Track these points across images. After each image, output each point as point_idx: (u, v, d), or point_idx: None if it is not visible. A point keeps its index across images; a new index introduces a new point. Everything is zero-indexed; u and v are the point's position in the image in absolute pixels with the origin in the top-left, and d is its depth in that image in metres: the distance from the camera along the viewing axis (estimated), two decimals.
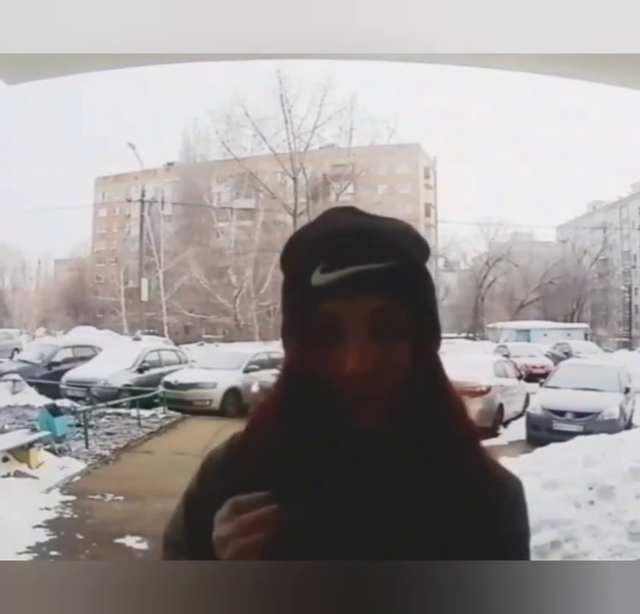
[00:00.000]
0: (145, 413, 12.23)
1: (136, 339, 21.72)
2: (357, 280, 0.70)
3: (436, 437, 0.77)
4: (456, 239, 49.21)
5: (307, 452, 0.75)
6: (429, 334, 0.77)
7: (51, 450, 8.29)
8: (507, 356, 19.36)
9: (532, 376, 17.12)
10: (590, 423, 10.10)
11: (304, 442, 0.76)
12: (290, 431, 0.77)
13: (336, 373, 0.72)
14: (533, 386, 13.65)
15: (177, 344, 24.49)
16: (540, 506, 4.78)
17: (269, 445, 0.77)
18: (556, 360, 20.96)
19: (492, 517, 0.78)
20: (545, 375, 14.63)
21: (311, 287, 0.72)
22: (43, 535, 5.75)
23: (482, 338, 39.80)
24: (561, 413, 10.64)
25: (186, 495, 0.86)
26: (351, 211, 0.79)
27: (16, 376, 13.85)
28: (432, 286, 0.77)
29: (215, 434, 8.79)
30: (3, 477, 7.21)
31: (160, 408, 12.99)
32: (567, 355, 24.01)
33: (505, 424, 12.26)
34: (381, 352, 0.71)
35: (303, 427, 0.76)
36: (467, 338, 40.04)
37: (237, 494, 0.72)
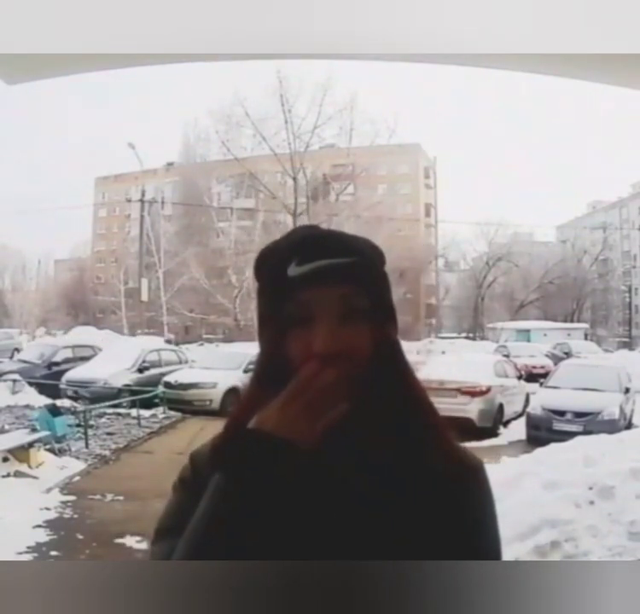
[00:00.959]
0: (145, 413, 12.23)
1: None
2: (326, 272, 0.83)
3: (398, 419, 0.85)
4: (456, 239, 49.28)
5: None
6: (387, 322, 0.87)
7: (51, 450, 8.29)
8: (507, 356, 19.36)
9: (532, 376, 17.12)
10: (590, 423, 10.10)
11: None
12: None
13: (308, 353, 0.80)
14: (533, 386, 13.65)
15: (177, 344, 24.50)
16: (540, 506, 4.78)
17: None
18: (556, 360, 20.96)
19: (459, 499, 0.83)
20: (545, 375, 14.63)
21: (287, 279, 0.83)
22: (43, 535, 5.75)
23: (482, 338, 39.78)
24: (561, 413, 10.64)
25: (178, 482, 0.92)
26: (312, 227, 0.92)
27: (16, 376, 13.85)
28: (388, 282, 0.90)
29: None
30: (3, 477, 7.21)
31: (160, 408, 12.99)
32: (567, 355, 24.00)
33: (505, 424, 12.26)
34: (347, 334, 0.82)
35: None
36: (467, 338, 40.03)
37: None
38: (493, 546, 0.85)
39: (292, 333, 0.83)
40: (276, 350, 0.84)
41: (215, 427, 0.88)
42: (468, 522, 0.83)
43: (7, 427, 10.01)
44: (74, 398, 12.85)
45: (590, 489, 4.98)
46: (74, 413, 10.53)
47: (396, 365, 0.87)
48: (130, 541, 5.66)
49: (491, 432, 11.24)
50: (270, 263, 0.87)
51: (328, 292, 0.83)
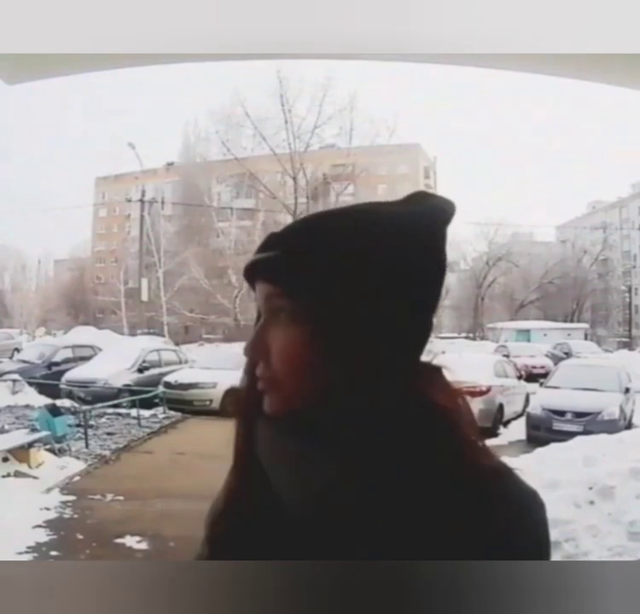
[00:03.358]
0: (145, 413, 12.23)
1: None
2: (254, 269, 0.78)
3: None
4: (456, 239, 49.18)
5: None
6: (327, 320, 0.72)
7: (51, 450, 8.29)
8: (507, 356, 19.35)
9: (532, 376, 17.12)
10: (590, 423, 10.10)
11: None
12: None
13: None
14: (533, 386, 13.65)
15: (177, 344, 24.50)
16: None
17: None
18: (556, 360, 20.95)
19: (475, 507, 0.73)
20: (545, 375, 14.63)
21: (243, 276, 0.81)
22: (43, 535, 5.75)
23: (482, 338, 39.78)
24: (561, 413, 10.64)
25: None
26: (312, 215, 0.82)
27: (16, 376, 13.86)
28: (323, 274, 0.73)
29: (214, 434, 8.79)
30: (3, 477, 7.21)
31: (160, 408, 12.99)
32: (567, 355, 24.00)
33: (505, 424, 12.27)
34: (269, 336, 0.76)
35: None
36: (467, 338, 40.01)
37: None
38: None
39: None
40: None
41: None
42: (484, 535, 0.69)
43: (7, 427, 10.01)
44: (73, 398, 12.84)
45: (590, 489, 4.98)
46: (74, 413, 10.53)
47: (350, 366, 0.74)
48: (130, 541, 5.66)
49: (491, 432, 11.24)
50: None
51: (259, 292, 0.78)
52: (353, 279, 0.72)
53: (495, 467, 0.74)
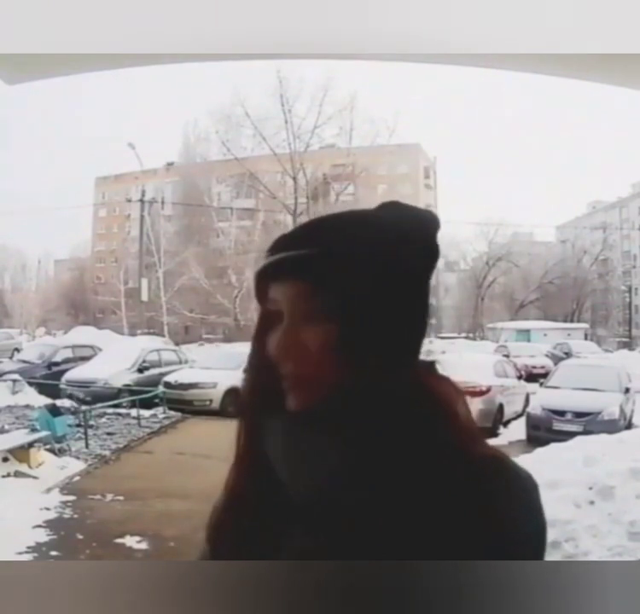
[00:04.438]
0: (145, 413, 12.23)
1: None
2: (283, 266, 0.76)
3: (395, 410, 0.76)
4: (456, 239, 49.22)
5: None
6: (357, 319, 0.75)
7: (51, 450, 8.29)
8: (507, 356, 19.35)
9: (532, 376, 17.11)
10: (590, 423, 10.10)
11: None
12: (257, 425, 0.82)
13: (269, 356, 0.78)
14: (533, 386, 13.65)
15: (177, 344, 24.49)
16: None
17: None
18: (556, 360, 20.95)
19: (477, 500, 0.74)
20: (545, 375, 14.63)
21: (256, 275, 0.80)
22: (43, 535, 5.75)
23: (482, 338, 39.75)
24: (561, 413, 10.64)
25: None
26: (326, 216, 0.84)
27: (16, 376, 13.86)
28: (361, 273, 0.75)
29: (215, 434, 8.79)
30: (3, 477, 7.21)
31: (160, 408, 12.99)
32: (567, 355, 23.99)
33: (505, 424, 12.26)
34: (301, 335, 0.75)
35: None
36: (467, 338, 39.98)
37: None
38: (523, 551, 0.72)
39: (267, 332, 0.79)
40: (256, 351, 0.81)
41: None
42: (487, 526, 0.70)
43: (7, 427, 10.01)
44: (74, 398, 12.85)
45: (590, 489, 4.98)
46: (74, 413, 10.53)
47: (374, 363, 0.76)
48: (130, 541, 5.66)
49: (491, 432, 11.24)
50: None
51: (287, 290, 0.76)
52: (375, 279, 0.75)
53: (494, 453, 0.79)
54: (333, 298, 0.75)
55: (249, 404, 0.83)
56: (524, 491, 0.76)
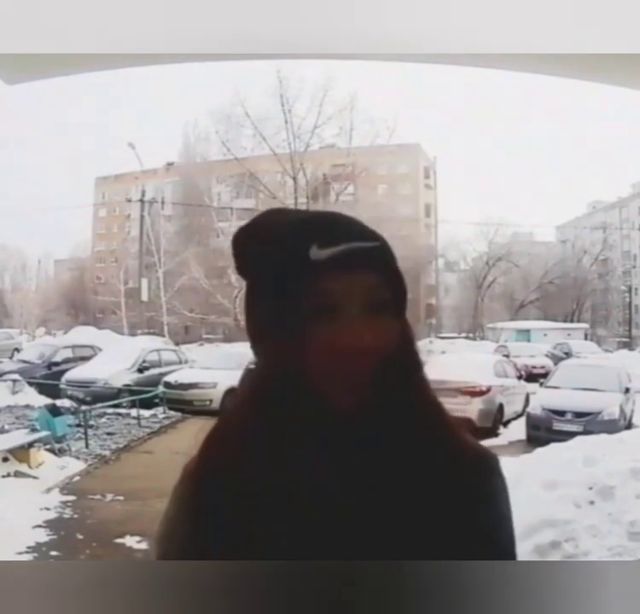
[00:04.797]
0: (145, 413, 12.23)
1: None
2: (354, 257, 0.72)
3: (414, 414, 0.78)
4: (456, 239, 49.25)
5: (292, 443, 0.75)
6: (403, 315, 0.78)
7: (51, 450, 8.29)
8: (507, 356, 19.35)
9: (532, 376, 17.11)
10: (590, 423, 10.09)
11: (284, 431, 0.75)
12: (270, 424, 0.76)
13: (329, 350, 0.71)
14: (533, 386, 13.65)
15: (177, 344, 24.49)
16: (540, 506, 4.78)
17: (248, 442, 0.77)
18: (556, 360, 20.95)
19: (475, 497, 0.78)
20: (545, 375, 14.62)
21: (306, 264, 0.72)
22: (43, 535, 5.75)
23: (482, 338, 39.76)
24: (561, 413, 10.63)
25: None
26: (289, 210, 0.84)
27: (16, 376, 13.86)
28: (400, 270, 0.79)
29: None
30: (3, 477, 7.21)
31: (160, 408, 12.99)
32: (567, 355, 23.98)
33: (505, 424, 12.26)
34: (375, 328, 0.72)
35: (281, 415, 0.75)
36: (467, 338, 40.00)
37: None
38: (508, 543, 0.81)
39: (310, 329, 0.72)
40: (288, 358, 0.73)
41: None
42: (480, 520, 0.77)
43: (7, 427, 10.01)
44: (73, 399, 12.84)
45: (590, 489, 4.97)
46: (74, 413, 10.53)
47: (414, 361, 0.80)
48: (130, 541, 5.66)
49: (491, 432, 11.23)
50: (278, 247, 0.74)
51: (355, 281, 0.72)
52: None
53: (477, 447, 0.84)
54: (394, 293, 0.75)
55: (267, 402, 0.76)
56: (498, 473, 0.83)
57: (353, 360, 0.71)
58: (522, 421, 11.70)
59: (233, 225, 41.80)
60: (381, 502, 0.74)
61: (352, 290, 0.72)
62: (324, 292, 0.72)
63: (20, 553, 5.23)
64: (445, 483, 0.76)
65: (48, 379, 14.59)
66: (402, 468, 0.75)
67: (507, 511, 0.81)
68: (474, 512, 0.77)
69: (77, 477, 7.83)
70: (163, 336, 28.70)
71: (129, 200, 38.34)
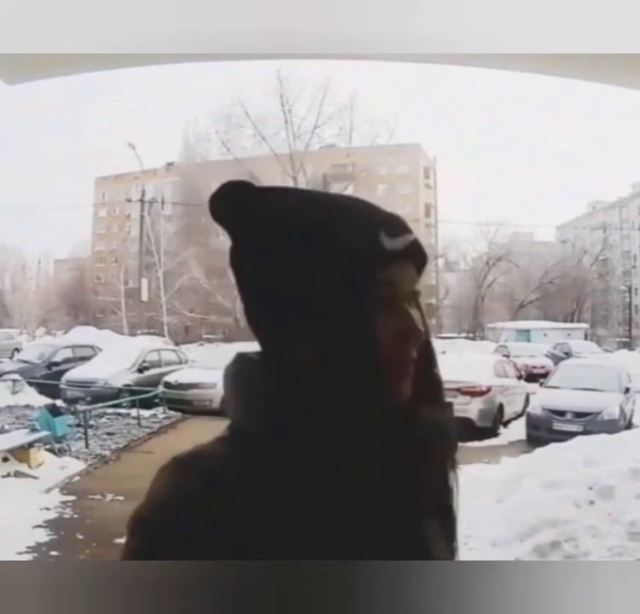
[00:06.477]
0: (145, 413, 12.23)
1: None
2: (415, 248, 0.75)
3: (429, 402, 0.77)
4: (456, 239, 49.26)
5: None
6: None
7: (51, 450, 8.29)
8: (507, 356, 19.35)
9: (532, 376, 17.11)
10: (590, 423, 10.10)
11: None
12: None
13: (400, 343, 0.72)
14: (533, 386, 13.66)
15: (177, 344, 24.49)
16: (540, 506, 4.78)
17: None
18: (556, 360, 20.95)
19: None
20: (545, 375, 14.63)
21: (375, 253, 0.70)
22: (43, 535, 5.75)
23: (482, 338, 39.77)
24: (561, 413, 10.64)
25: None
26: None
27: (16, 376, 13.87)
28: None
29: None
30: (3, 477, 7.21)
31: (160, 408, 13.00)
32: (567, 355, 23.99)
33: (505, 424, 12.27)
34: (420, 320, 0.75)
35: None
36: (467, 338, 40.01)
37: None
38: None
39: (377, 321, 0.71)
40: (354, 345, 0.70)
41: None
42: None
43: (7, 427, 10.01)
44: (73, 400, 12.84)
45: (590, 489, 4.98)
46: (74, 413, 10.53)
47: (431, 353, 0.80)
48: None
49: (491, 432, 11.24)
50: (354, 233, 0.71)
51: (409, 271, 0.75)
52: None
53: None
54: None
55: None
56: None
57: (409, 349, 0.73)
58: (522, 421, 11.70)
59: None
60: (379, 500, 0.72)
61: (406, 281, 0.74)
62: (390, 283, 0.72)
63: (20, 553, 5.23)
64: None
65: (48, 379, 14.60)
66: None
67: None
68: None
69: (77, 477, 7.84)
70: (163, 336, 28.69)
71: (129, 200, 38.36)
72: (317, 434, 0.69)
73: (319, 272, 0.70)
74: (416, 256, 0.76)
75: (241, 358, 0.78)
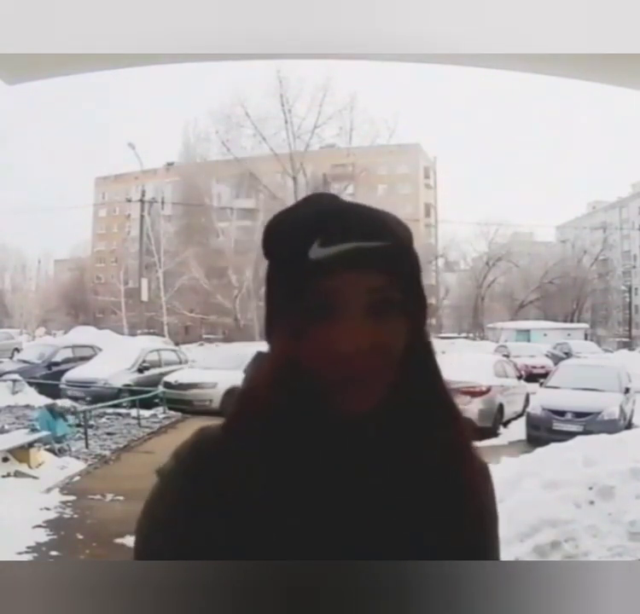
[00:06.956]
0: (145, 413, 12.23)
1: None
2: (357, 257, 0.70)
3: (427, 417, 0.77)
4: (456, 239, 49.27)
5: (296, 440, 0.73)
6: (419, 313, 0.77)
7: (51, 450, 8.29)
8: (507, 356, 19.35)
9: (532, 376, 17.11)
10: (590, 423, 10.09)
11: (292, 430, 0.73)
12: (279, 419, 0.74)
13: (327, 352, 0.70)
14: (533, 386, 13.65)
15: (177, 344, 24.49)
16: (540, 506, 4.78)
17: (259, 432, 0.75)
18: (556, 360, 20.95)
19: (473, 499, 0.80)
20: (545, 375, 14.62)
21: (307, 263, 0.70)
22: (43, 535, 5.75)
23: (482, 338, 39.77)
24: (561, 413, 10.63)
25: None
26: (332, 197, 0.78)
27: (16, 376, 13.86)
28: (420, 267, 0.78)
29: None
30: (3, 477, 7.21)
31: (160, 408, 12.99)
32: (567, 355, 23.99)
33: (505, 424, 12.26)
34: (376, 330, 0.70)
35: (290, 415, 0.74)
36: (467, 338, 40.01)
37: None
38: (494, 547, 0.85)
39: (308, 329, 0.71)
40: (292, 349, 0.72)
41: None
42: (472, 521, 0.79)
43: (7, 427, 10.01)
44: (74, 398, 12.85)
45: (590, 489, 4.97)
46: (74, 413, 10.53)
47: (426, 363, 0.79)
48: (130, 541, 5.63)
49: (491, 432, 11.23)
50: (287, 240, 0.73)
51: (357, 282, 0.70)
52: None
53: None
54: (404, 292, 0.73)
55: (270, 402, 0.74)
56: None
57: (350, 362, 0.70)
58: (522, 421, 11.69)
59: (233, 225, 41.91)
60: (380, 503, 0.74)
61: (350, 290, 0.70)
62: (322, 292, 0.70)
63: (20, 553, 5.22)
64: (445, 485, 0.77)
65: (48, 379, 14.59)
66: (405, 468, 0.76)
67: (492, 523, 0.87)
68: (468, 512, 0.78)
69: (77, 477, 7.83)
70: (163, 336, 28.70)
71: (129, 200, 38.35)
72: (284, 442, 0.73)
73: (275, 287, 0.76)
74: (378, 263, 0.71)
75: (260, 356, 0.81)
